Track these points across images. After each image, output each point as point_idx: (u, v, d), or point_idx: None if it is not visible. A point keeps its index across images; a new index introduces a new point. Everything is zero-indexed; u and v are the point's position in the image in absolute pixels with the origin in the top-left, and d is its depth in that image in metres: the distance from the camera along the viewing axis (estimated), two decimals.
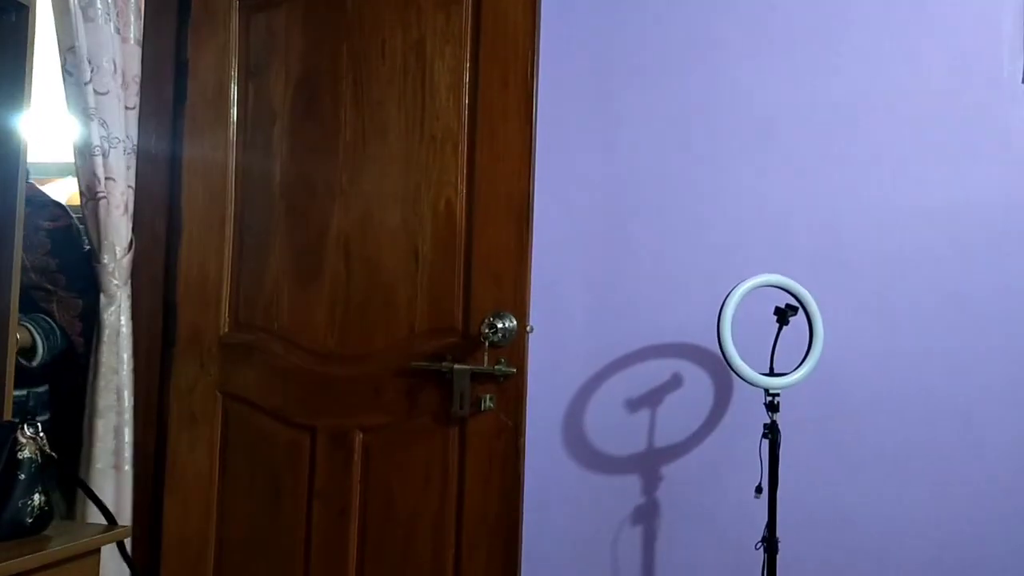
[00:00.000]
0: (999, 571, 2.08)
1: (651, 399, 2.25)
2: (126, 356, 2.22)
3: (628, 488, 2.24)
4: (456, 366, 2.06)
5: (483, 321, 2.04)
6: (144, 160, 2.32)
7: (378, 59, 2.18)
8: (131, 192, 2.28)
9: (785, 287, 2.01)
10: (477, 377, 2.05)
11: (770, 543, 1.97)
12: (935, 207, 2.16)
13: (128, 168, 2.27)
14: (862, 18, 2.21)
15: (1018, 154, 2.15)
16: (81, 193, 2.20)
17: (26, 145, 1.87)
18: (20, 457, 1.46)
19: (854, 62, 2.21)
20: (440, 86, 2.14)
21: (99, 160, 2.16)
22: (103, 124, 2.17)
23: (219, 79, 2.28)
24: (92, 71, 2.15)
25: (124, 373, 2.21)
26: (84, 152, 2.16)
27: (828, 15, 2.22)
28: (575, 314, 2.30)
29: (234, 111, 2.28)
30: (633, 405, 2.25)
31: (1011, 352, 2.10)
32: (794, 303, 2.01)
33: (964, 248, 2.14)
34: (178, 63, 2.32)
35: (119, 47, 2.24)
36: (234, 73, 2.28)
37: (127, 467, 2.20)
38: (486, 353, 2.04)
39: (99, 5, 2.17)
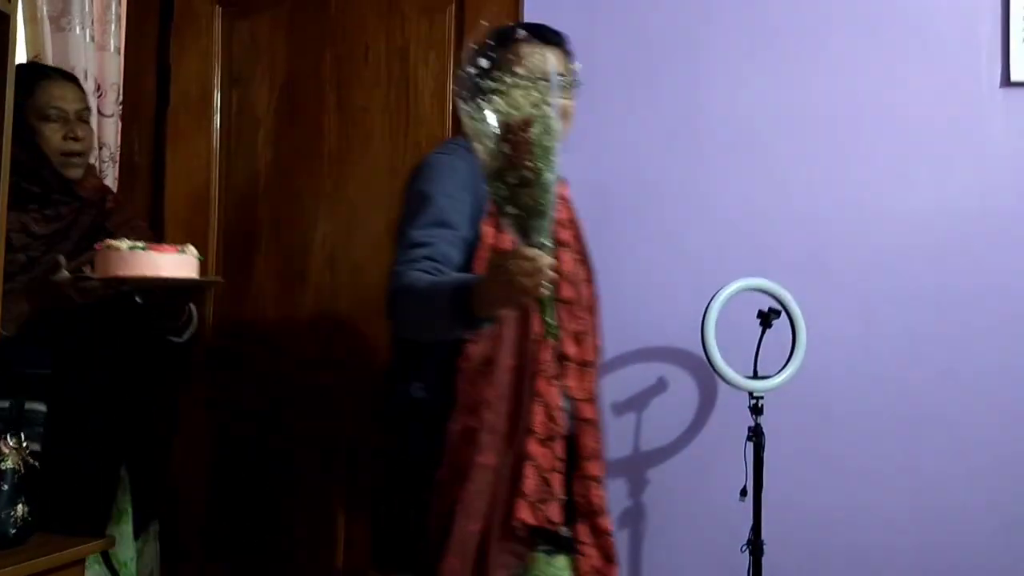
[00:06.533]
0: (979, 574, 2.10)
1: (636, 403, 2.26)
2: None
3: (614, 492, 2.24)
4: None
5: None
6: (126, 167, 2.30)
7: (362, 65, 2.18)
8: None
9: (768, 290, 2.03)
10: None
11: (755, 545, 1.98)
12: (916, 210, 2.18)
13: (103, 177, 2.26)
14: (843, 24, 2.22)
15: (997, 156, 2.17)
16: None
17: (8, 152, 1.86)
18: (3, 468, 1.46)
19: (835, 67, 2.22)
20: (424, 92, 2.15)
21: None
22: None
23: (202, 85, 2.28)
24: None
25: None
26: None
27: (809, 20, 2.23)
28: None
29: (217, 118, 2.27)
30: (618, 409, 2.25)
31: (992, 354, 2.12)
32: (777, 306, 2.03)
33: (945, 250, 2.15)
34: (160, 70, 2.32)
35: (93, 55, 2.23)
36: (217, 80, 2.28)
37: None
38: None
39: (74, 13, 2.16)
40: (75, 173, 1.83)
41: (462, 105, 1.38)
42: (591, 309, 1.71)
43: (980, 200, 2.16)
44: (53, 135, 1.79)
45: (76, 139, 1.81)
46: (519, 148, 1.35)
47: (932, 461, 2.14)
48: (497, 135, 1.35)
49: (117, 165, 2.30)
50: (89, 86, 2.20)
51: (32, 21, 2.13)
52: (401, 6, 2.16)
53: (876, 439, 2.15)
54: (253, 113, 2.25)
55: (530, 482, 1.50)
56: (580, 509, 1.60)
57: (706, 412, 2.23)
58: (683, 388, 2.24)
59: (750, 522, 1.99)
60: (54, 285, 1.62)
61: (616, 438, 2.26)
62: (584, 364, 1.65)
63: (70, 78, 1.90)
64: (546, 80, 1.43)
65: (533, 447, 1.52)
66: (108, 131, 2.27)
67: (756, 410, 1.99)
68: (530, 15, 2.15)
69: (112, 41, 2.28)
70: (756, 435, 1.98)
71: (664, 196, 2.27)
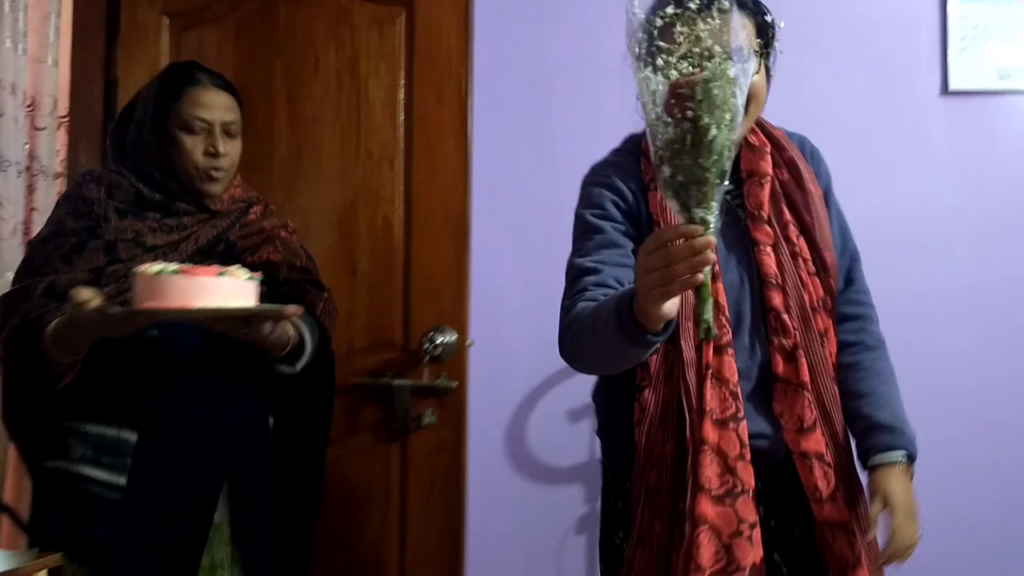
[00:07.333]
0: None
1: (593, 409, 2.26)
2: None
3: (571, 498, 2.25)
4: (396, 382, 2.05)
5: (423, 336, 2.05)
6: (72, 180, 2.27)
7: (312, 76, 2.17)
8: (37, 215, 2.23)
9: None
10: (418, 392, 2.05)
11: None
12: (860, 216, 2.19)
13: (33, 190, 2.23)
14: (784, 33, 2.27)
15: (938, 163, 2.23)
16: None
17: None
18: None
19: (777, 76, 2.26)
20: (375, 103, 2.15)
21: None
22: None
23: None
24: None
25: None
26: None
27: None
28: (515, 327, 2.30)
29: None
30: (575, 415, 2.26)
31: (946, 353, 2.18)
32: None
33: (891, 255, 2.20)
34: (107, 82, 2.29)
35: (24, 67, 2.21)
36: None
37: None
38: (426, 368, 2.04)
39: (4, 26, 2.14)
40: (215, 188, 1.63)
41: (629, 56, 1.19)
42: (821, 311, 1.42)
43: (923, 206, 2.22)
44: (194, 148, 1.60)
45: (215, 155, 1.61)
46: (680, 95, 1.08)
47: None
48: (665, 88, 1.11)
49: (55, 179, 2.28)
50: (19, 99, 2.17)
51: None
52: (351, 17, 2.16)
53: None
54: None
55: (705, 551, 1.26)
56: (827, 563, 1.36)
57: None
58: None
59: None
60: (80, 318, 1.36)
61: (573, 445, 2.27)
62: (799, 386, 1.36)
63: (223, 85, 1.66)
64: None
65: (704, 508, 1.27)
66: (44, 144, 2.25)
67: None
68: (481, 25, 2.17)
69: (50, 54, 2.26)
70: None
71: None
